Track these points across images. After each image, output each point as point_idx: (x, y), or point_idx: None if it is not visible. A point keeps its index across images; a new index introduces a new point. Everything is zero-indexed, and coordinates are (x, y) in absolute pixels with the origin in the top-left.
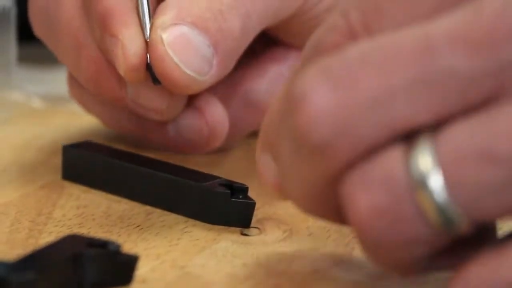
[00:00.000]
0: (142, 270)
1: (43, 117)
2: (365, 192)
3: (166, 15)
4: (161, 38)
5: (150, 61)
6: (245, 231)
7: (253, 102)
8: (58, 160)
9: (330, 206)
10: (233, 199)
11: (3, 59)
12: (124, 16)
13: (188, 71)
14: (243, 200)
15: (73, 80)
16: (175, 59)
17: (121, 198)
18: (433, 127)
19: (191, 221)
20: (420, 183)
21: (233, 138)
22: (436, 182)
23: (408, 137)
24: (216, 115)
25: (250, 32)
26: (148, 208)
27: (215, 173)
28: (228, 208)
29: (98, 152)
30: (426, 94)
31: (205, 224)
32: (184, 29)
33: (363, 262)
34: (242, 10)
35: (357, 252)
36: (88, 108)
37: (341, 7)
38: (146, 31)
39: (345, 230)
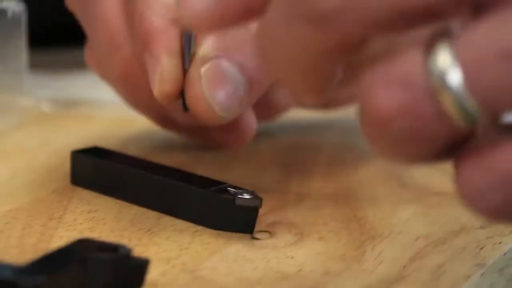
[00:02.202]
0: (153, 274)
1: (53, 122)
2: (385, 91)
3: (208, 45)
4: (200, 76)
5: (185, 94)
6: (256, 234)
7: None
8: (68, 165)
9: (314, 80)
10: (237, 204)
11: (14, 64)
12: (168, 41)
13: (220, 113)
14: (246, 205)
15: (90, 50)
16: (210, 101)
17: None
18: (451, 31)
19: (202, 225)
20: (440, 80)
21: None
22: (455, 78)
23: (427, 41)
24: (247, 119)
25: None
26: (160, 212)
27: (224, 178)
28: (232, 214)
29: (107, 157)
30: None
31: None
32: (223, 64)
33: (375, 266)
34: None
35: (368, 256)
36: (107, 82)
37: None
38: (187, 60)
39: (356, 233)
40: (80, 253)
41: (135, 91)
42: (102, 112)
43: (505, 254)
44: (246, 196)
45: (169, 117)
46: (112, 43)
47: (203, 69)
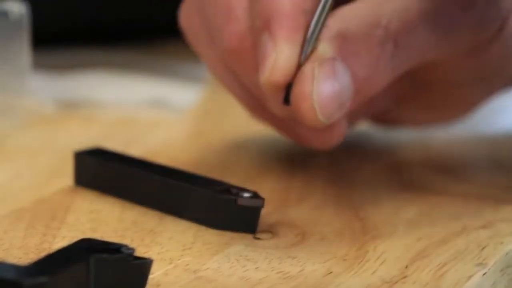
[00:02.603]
0: (155, 274)
1: (56, 123)
2: None
3: (327, 44)
4: (313, 74)
5: (291, 87)
6: (258, 235)
7: None
8: (71, 166)
9: None
10: (239, 204)
11: (17, 65)
12: (293, 28)
13: (320, 117)
14: (248, 205)
15: (189, 9)
16: (315, 104)
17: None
18: None
19: (204, 225)
20: None
21: None
22: None
23: None
24: (339, 123)
25: (393, 78)
26: (162, 212)
27: (226, 178)
28: (234, 214)
29: (109, 158)
30: None
31: None
32: (337, 67)
33: (376, 266)
34: (398, 60)
35: (370, 256)
36: (201, 51)
37: None
38: (305, 53)
39: (358, 233)
40: (83, 253)
41: (240, 69)
42: (104, 113)
43: (507, 254)
44: (248, 196)
45: (263, 105)
46: (229, 13)
47: (317, 68)
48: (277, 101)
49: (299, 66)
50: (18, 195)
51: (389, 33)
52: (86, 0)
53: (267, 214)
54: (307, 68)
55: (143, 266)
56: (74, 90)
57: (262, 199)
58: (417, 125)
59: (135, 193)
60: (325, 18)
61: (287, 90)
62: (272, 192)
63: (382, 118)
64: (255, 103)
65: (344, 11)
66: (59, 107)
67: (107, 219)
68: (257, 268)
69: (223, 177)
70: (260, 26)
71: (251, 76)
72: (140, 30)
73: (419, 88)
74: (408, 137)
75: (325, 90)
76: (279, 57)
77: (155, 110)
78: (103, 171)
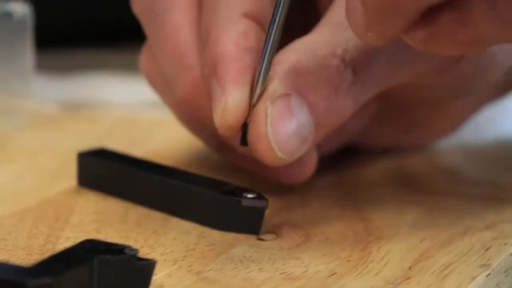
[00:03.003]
0: (159, 275)
1: (59, 124)
2: None
3: (279, 80)
4: (266, 113)
5: (248, 129)
6: (262, 236)
7: None
8: (75, 167)
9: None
10: (243, 205)
11: (20, 67)
12: (239, 72)
13: (280, 155)
14: (252, 206)
15: (147, 55)
16: (273, 143)
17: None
18: None
19: (208, 226)
20: None
21: None
22: None
23: None
24: (308, 155)
25: (357, 108)
26: (166, 213)
27: (230, 179)
28: (238, 215)
29: (113, 159)
30: None
31: None
32: (292, 102)
33: (380, 267)
34: (359, 89)
35: (374, 257)
36: (162, 97)
37: None
38: (256, 95)
39: (362, 234)
40: (87, 254)
41: (198, 115)
42: (108, 114)
43: (511, 255)
44: (253, 197)
45: (227, 145)
46: (181, 63)
47: (270, 106)
48: (236, 143)
49: (253, 106)
50: (21, 196)
51: (346, 62)
52: (89, 2)
53: (271, 215)
54: (260, 108)
55: (146, 267)
56: (77, 91)
57: (266, 200)
58: (402, 146)
59: (138, 194)
60: (273, 54)
61: (243, 131)
62: (276, 193)
63: (362, 142)
64: (219, 143)
65: (297, 44)
66: (62, 108)
67: (111, 220)
68: (260, 269)
69: (226, 178)
70: (209, 73)
71: (210, 121)
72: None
73: (396, 110)
74: None
75: (281, 128)
76: (228, 100)
77: (157, 110)
78: (107, 172)
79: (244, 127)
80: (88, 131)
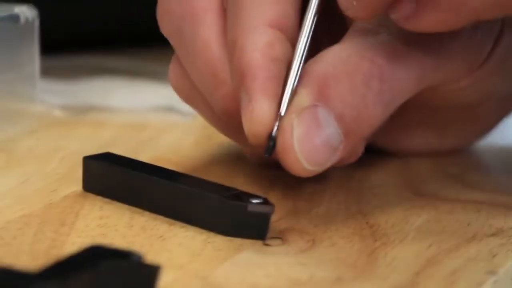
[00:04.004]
0: (164, 280)
1: (65, 128)
2: None
3: (306, 91)
4: (292, 125)
5: (275, 142)
6: (268, 241)
7: None
8: (80, 171)
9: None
10: (249, 211)
11: (26, 71)
12: (266, 81)
13: (308, 167)
14: (258, 212)
15: (178, 71)
16: (299, 156)
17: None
18: None
19: (214, 232)
20: None
21: None
22: None
23: None
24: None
25: (388, 114)
26: (171, 218)
27: (235, 184)
28: (244, 220)
29: (118, 163)
30: None
31: None
32: (319, 114)
33: (387, 273)
34: (387, 96)
35: (381, 263)
36: (197, 111)
37: None
38: (284, 105)
39: (368, 240)
40: (92, 259)
41: (238, 125)
42: (114, 118)
43: None
44: (258, 202)
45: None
46: (216, 79)
47: (296, 119)
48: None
49: (281, 117)
50: (27, 201)
51: (373, 69)
52: (95, 6)
53: (277, 220)
54: (285, 121)
55: (152, 272)
56: (83, 96)
57: (272, 205)
58: (436, 151)
59: (144, 198)
60: (301, 65)
61: (269, 142)
62: (282, 199)
63: (392, 147)
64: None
65: (325, 54)
66: (68, 113)
67: (117, 225)
68: (266, 274)
69: (232, 183)
70: (238, 83)
71: None
72: (148, 36)
73: (427, 114)
74: None
75: (308, 141)
76: (255, 109)
77: (164, 115)
78: (113, 176)
79: (270, 139)
80: (94, 135)
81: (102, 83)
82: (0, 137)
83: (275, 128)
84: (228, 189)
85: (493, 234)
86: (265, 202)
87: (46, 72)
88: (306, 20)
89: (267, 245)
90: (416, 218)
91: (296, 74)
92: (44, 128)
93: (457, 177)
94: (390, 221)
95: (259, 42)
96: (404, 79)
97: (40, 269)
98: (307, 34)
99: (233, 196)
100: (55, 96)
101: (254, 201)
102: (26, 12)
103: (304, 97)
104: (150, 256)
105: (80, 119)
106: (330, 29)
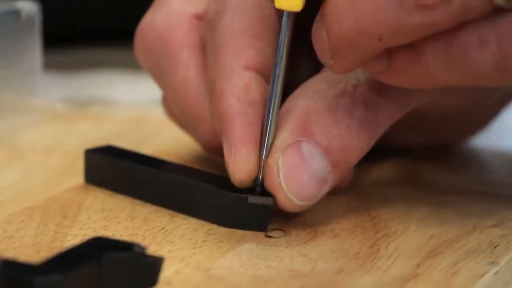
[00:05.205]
0: (166, 272)
1: (67, 121)
2: None
3: (287, 128)
4: (277, 166)
5: (262, 185)
6: (270, 233)
7: None
8: (82, 164)
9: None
10: (250, 202)
11: (28, 65)
12: (244, 129)
13: (300, 203)
14: (259, 203)
15: (166, 103)
16: (288, 194)
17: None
18: None
19: (215, 224)
20: None
21: None
22: None
23: None
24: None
25: (374, 141)
26: (173, 211)
27: None
28: (245, 212)
29: (120, 156)
30: None
31: None
32: (304, 149)
33: (388, 264)
34: (372, 123)
35: (382, 254)
36: (187, 132)
37: None
38: (265, 148)
39: (370, 232)
40: (95, 251)
41: (221, 160)
42: (115, 112)
43: None
44: (259, 194)
45: None
46: (196, 117)
47: (280, 158)
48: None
49: (265, 158)
50: (29, 194)
51: (356, 98)
52: (97, 1)
53: (278, 212)
54: (271, 161)
55: (154, 264)
56: (85, 89)
57: (273, 197)
58: (428, 146)
59: (146, 191)
60: (278, 105)
61: (259, 187)
62: None
63: (383, 143)
64: None
65: (305, 88)
66: (70, 106)
67: (119, 218)
68: (268, 266)
69: None
70: (218, 129)
71: None
72: None
73: (419, 121)
74: None
75: (294, 178)
76: (236, 158)
77: None
78: (114, 169)
79: (257, 185)
80: (96, 129)
81: (103, 77)
82: (2, 131)
83: (261, 172)
84: (229, 181)
85: (494, 226)
86: (266, 194)
87: (48, 66)
88: (278, 59)
89: (269, 236)
90: (417, 210)
91: (275, 114)
92: (46, 122)
93: (457, 170)
94: (391, 214)
95: (235, 87)
96: (389, 106)
97: (42, 261)
98: (279, 74)
99: (234, 188)
100: (57, 90)
101: (255, 193)
102: (28, 7)
103: (287, 134)
104: (152, 248)
105: (81, 112)
106: (311, 48)
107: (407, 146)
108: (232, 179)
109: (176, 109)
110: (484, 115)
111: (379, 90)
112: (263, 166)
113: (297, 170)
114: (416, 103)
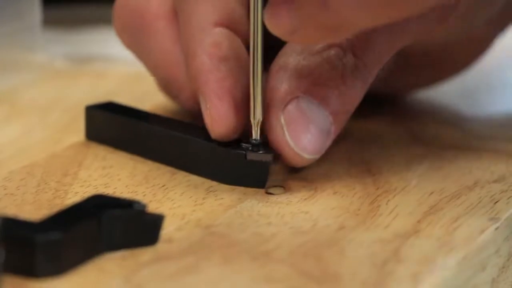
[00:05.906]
0: (167, 229)
1: (67, 78)
2: None
3: (283, 87)
4: (281, 124)
5: (267, 136)
6: (270, 190)
7: None
8: (83, 121)
9: None
10: (249, 159)
11: (28, 21)
12: (217, 83)
13: (308, 157)
14: (258, 160)
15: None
16: (297, 150)
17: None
18: None
19: (216, 181)
20: None
21: None
22: None
23: None
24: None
25: (368, 86)
26: (173, 167)
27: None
28: (244, 168)
29: (121, 112)
30: None
31: None
32: (302, 104)
33: (389, 220)
34: (363, 69)
35: (383, 210)
36: (173, 100)
37: None
38: (254, 108)
39: (370, 188)
40: (95, 209)
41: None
42: (116, 68)
43: None
44: (258, 150)
45: None
46: (176, 84)
47: (282, 116)
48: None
49: (254, 116)
50: (30, 151)
51: (344, 47)
52: None
53: (279, 169)
54: (273, 119)
55: (155, 221)
56: (85, 46)
57: (272, 153)
58: (413, 89)
59: (147, 148)
60: (259, 59)
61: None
62: None
63: (375, 91)
64: None
65: (294, 45)
66: (70, 63)
67: (119, 175)
68: (269, 223)
69: None
70: (195, 89)
71: None
72: None
73: (403, 60)
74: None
75: (301, 134)
76: (212, 113)
77: None
78: (115, 125)
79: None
80: (96, 85)
81: (104, 34)
82: (2, 88)
83: (254, 131)
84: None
85: (495, 181)
86: (265, 150)
87: (48, 22)
88: (252, 12)
89: (269, 193)
90: (417, 166)
91: (257, 72)
92: (46, 78)
93: (457, 125)
94: (391, 169)
95: (206, 45)
96: (377, 51)
97: (43, 219)
98: (258, 27)
99: (234, 144)
100: (57, 46)
101: (255, 149)
102: None
103: (283, 93)
104: (153, 206)
105: (82, 69)
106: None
107: (404, 91)
108: (212, 135)
109: (158, 80)
110: (479, 40)
111: (364, 36)
112: (268, 127)
113: (301, 125)
114: (400, 43)
